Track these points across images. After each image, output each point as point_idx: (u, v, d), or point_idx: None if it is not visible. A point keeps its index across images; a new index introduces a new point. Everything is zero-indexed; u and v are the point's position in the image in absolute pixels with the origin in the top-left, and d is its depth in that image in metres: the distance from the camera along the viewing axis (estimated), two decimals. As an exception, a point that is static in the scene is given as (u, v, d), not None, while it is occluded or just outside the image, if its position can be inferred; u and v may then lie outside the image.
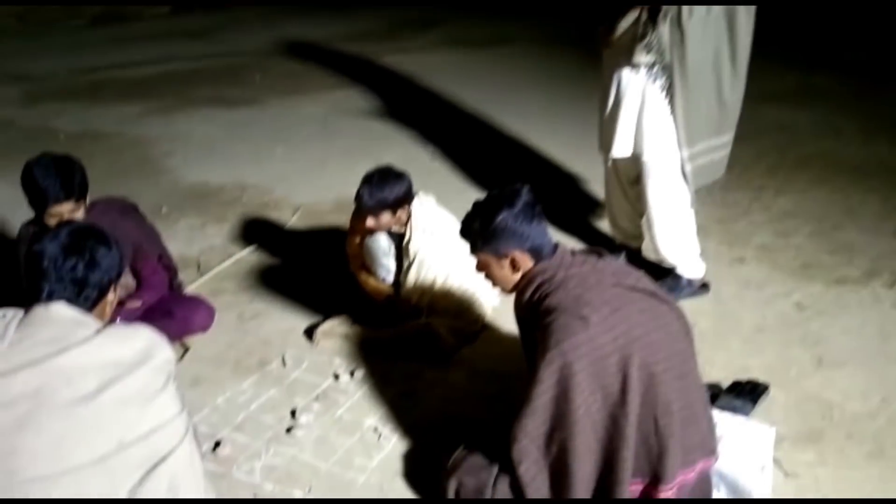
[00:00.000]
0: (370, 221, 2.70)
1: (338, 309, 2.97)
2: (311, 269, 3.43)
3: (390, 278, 2.93)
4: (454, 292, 2.84)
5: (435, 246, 2.78)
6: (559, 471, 1.74)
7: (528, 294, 1.83)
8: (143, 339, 1.41)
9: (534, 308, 1.80)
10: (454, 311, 2.83)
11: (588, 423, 1.70)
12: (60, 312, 1.41)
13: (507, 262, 1.86)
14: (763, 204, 4.03)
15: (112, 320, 1.57)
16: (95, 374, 1.31)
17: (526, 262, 1.85)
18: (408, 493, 2.04)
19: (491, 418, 2.28)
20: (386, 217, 2.71)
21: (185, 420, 1.42)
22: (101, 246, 1.49)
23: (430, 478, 2.04)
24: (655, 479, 1.73)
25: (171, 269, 2.89)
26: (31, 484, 1.22)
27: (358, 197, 2.68)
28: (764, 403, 2.34)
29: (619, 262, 1.88)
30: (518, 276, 1.87)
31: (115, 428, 1.29)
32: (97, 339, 1.37)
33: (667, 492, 1.72)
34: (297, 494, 2.05)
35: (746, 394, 2.34)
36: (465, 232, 1.93)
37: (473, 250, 1.94)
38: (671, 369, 1.71)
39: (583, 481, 1.73)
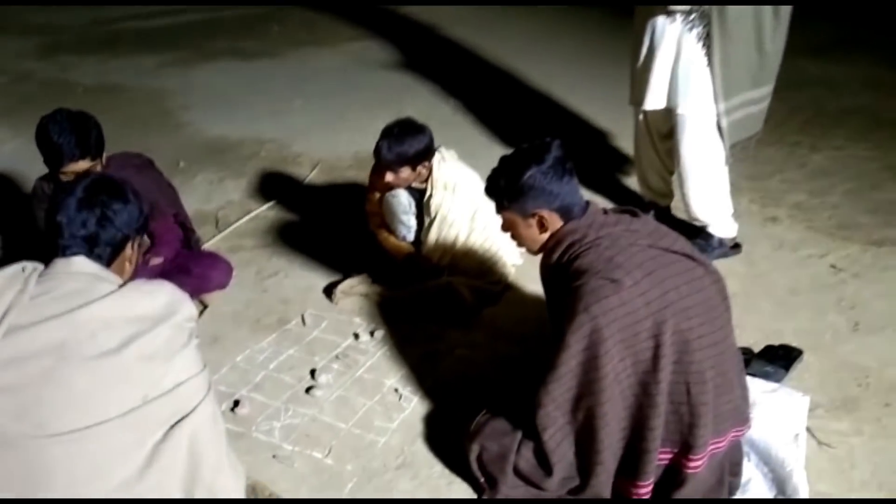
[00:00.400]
0: (389, 177, 2.62)
1: (357, 267, 2.91)
2: (331, 225, 3.37)
3: (411, 236, 2.86)
4: (476, 251, 2.76)
5: (457, 203, 2.69)
6: (585, 438, 1.68)
7: (556, 255, 1.74)
8: (166, 294, 1.39)
9: (562, 270, 1.72)
10: (476, 270, 2.76)
11: (617, 390, 1.63)
12: (82, 266, 1.39)
13: (534, 222, 1.78)
14: (798, 161, 3.88)
15: (134, 278, 1.52)
16: (119, 329, 1.29)
17: (554, 222, 1.76)
18: (429, 456, 2.01)
19: (513, 381, 2.22)
20: (406, 172, 2.62)
21: (207, 378, 1.40)
22: (115, 201, 1.45)
23: (452, 440, 2.00)
24: (686, 448, 1.66)
25: (187, 227, 2.83)
26: (59, 438, 1.21)
27: (377, 151, 2.59)
28: (797, 369, 2.26)
29: (654, 222, 1.79)
30: (545, 236, 1.79)
31: (140, 383, 1.28)
32: (120, 293, 1.35)
33: (696, 461, 1.66)
34: (317, 456, 2.02)
35: (779, 359, 2.26)
36: (491, 189, 1.84)
37: (499, 209, 1.85)
38: (706, 335, 1.63)
39: (609, 449, 1.68)
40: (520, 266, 2.91)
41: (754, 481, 1.84)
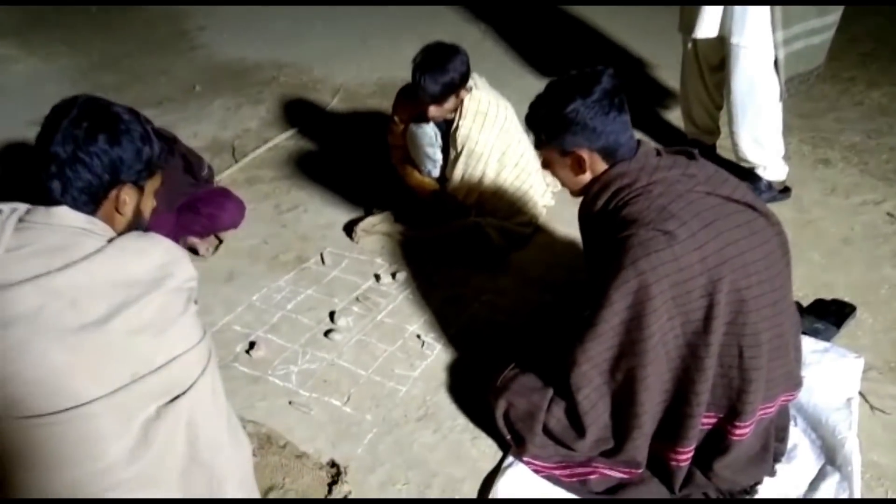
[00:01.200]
0: (434, 111, 2.41)
1: (380, 204, 2.77)
2: (353, 157, 3.20)
3: (436, 172, 2.69)
4: (506, 189, 2.59)
5: (486, 135, 2.50)
6: (624, 401, 1.56)
7: (601, 201, 1.57)
8: (159, 253, 1.20)
9: (608, 218, 1.55)
10: (505, 210, 2.60)
11: (661, 351, 1.49)
12: (64, 218, 1.20)
13: (571, 161, 1.60)
14: (853, 98, 3.60)
15: (136, 227, 1.32)
16: (104, 296, 1.12)
17: (596, 164, 1.58)
18: (452, 408, 1.91)
19: (543, 331, 2.09)
20: (451, 102, 2.41)
21: (207, 348, 1.23)
22: (100, 134, 1.21)
23: (477, 393, 1.90)
24: (732, 414, 1.53)
25: (195, 161, 2.68)
26: (33, 422, 1.06)
27: (418, 86, 2.34)
28: (849, 327, 2.10)
29: (713, 166, 1.60)
30: (586, 177, 1.61)
31: (129, 359, 1.12)
32: (106, 253, 1.15)
33: (743, 428, 1.54)
34: (336, 403, 1.93)
35: (830, 315, 2.10)
36: (531, 120, 1.65)
37: (538, 144, 1.67)
38: (764, 295, 1.47)
39: (649, 412, 1.55)
40: (551, 207, 2.75)
41: (801, 448, 1.72)
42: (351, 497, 1.66)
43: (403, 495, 1.67)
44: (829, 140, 3.21)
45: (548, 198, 2.73)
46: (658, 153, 1.58)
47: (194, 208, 2.54)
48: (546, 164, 1.69)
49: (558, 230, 2.63)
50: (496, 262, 2.46)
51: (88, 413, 1.08)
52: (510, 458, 1.72)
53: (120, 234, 1.25)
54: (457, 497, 1.66)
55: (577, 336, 1.56)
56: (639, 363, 1.49)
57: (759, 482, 1.62)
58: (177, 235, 2.51)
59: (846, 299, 2.18)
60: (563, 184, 1.69)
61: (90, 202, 1.23)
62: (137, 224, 1.32)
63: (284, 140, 3.45)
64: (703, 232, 1.43)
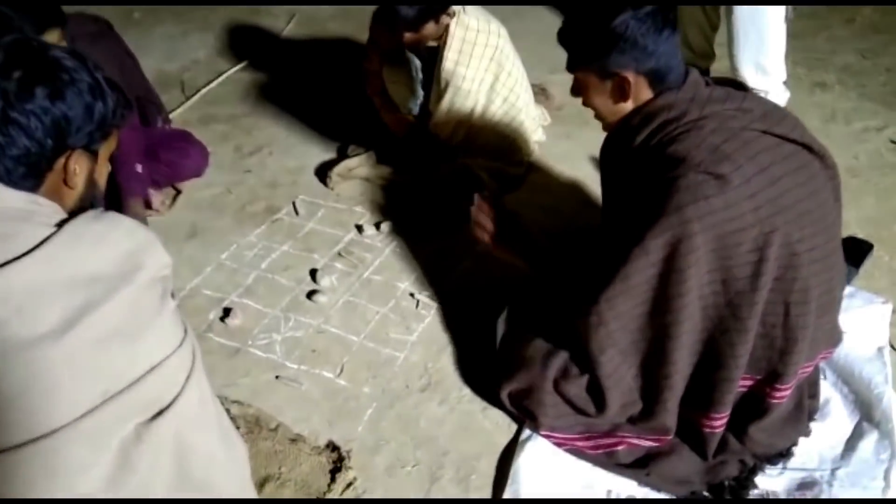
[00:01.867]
0: (410, 38, 2.13)
1: (355, 141, 2.51)
2: (318, 90, 2.90)
3: (416, 108, 2.44)
4: (495, 126, 2.36)
5: (475, 67, 2.24)
6: (654, 361, 1.40)
7: (643, 135, 1.36)
8: (123, 239, 0.95)
9: (650, 155, 1.35)
10: (493, 149, 2.38)
11: (699, 308, 1.33)
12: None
13: (612, 86, 1.38)
14: (844, 14, 3.43)
15: (88, 197, 1.06)
16: (59, 299, 0.88)
17: (640, 90, 1.36)
18: (456, 375, 1.74)
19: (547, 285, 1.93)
20: (430, 28, 2.13)
21: (190, 349, 1.01)
22: (38, 87, 0.94)
23: (482, 358, 1.74)
24: (773, 376, 1.41)
25: (152, 103, 2.36)
26: None
27: (390, 10, 2.07)
28: (867, 266, 1.99)
29: (768, 101, 1.41)
30: (626, 106, 1.39)
31: (96, 376, 0.90)
32: (56, 242, 0.91)
33: (784, 391, 1.42)
34: (328, 375, 1.74)
35: (847, 255, 1.96)
36: (566, 37, 1.41)
37: (572, 65, 1.43)
38: (816, 248, 1.32)
39: (681, 374, 1.41)
40: (542, 143, 2.53)
41: (833, 403, 1.62)
42: (357, 484, 1.50)
43: (414, 479, 1.51)
44: (823, 61, 3.05)
45: (540, 133, 2.51)
46: (707, 83, 1.38)
47: (153, 156, 2.24)
48: (577, 91, 1.46)
49: (553, 168, 2.43)
50: (488, 207, 2.26)
51: (50, 447, 0.87)
52: (528, 430, 1.57)
53: (71, 213, 1.00)
54: (473, 477, 1.51)
55: (600, 290, 1.38)
56: (673, 320, 1.34)
57: (794, 444, 1.52)
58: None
59: (860, 236, 2.07)
60: (598, 114, 1.47)
61: (30, 175, 0.97)
62: (92, 199, 1.06)
63: (238, 72, 3.12)
64: (758, 178, 1.25)
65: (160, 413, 0.96)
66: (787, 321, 1.35)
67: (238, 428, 1.55)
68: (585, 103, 1.47)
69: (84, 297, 0.89)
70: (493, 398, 1.66)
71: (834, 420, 1.58)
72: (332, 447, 1.56)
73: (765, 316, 1.35)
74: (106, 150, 1.07)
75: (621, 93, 1.37)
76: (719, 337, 1.37)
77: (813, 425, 1.56)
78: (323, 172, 2.41)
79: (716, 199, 1.23)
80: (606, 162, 1.55)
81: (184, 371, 1.00)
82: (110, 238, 0.95)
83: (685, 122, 1.31)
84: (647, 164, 1.35)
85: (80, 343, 0.88)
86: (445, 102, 2.29)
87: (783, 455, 1.51)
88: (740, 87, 1.39)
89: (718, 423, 1.45)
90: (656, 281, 1.32)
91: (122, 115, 1.05)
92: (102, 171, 1.09)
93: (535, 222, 2.21)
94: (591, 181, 2.38)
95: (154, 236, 1.00)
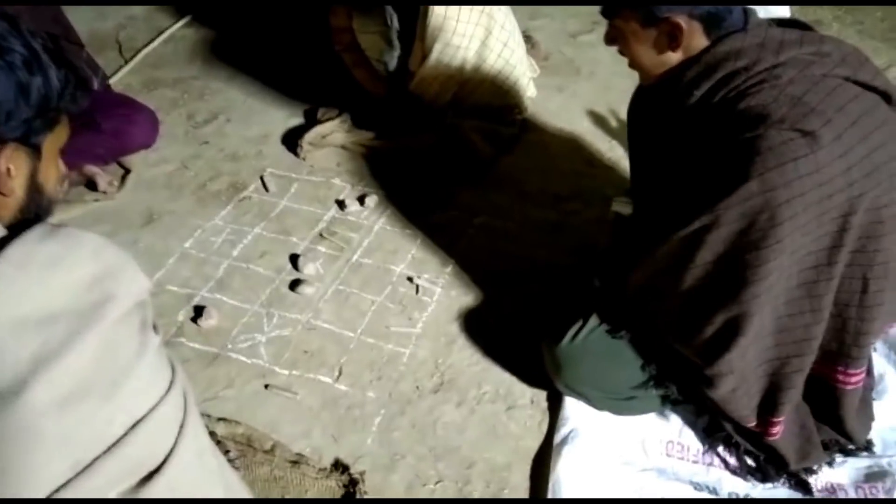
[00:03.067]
0: None
1: (325, 103, 2.23)
2: (277, 47, 2.59)
3: (393, 63, 2.17)
4: (489, 83, 2.11)
5: (464, 24, 1.98)
6: (716, 348, 1.21)
7: (702, 90, 1.13)
8: (85, 261, 0.70)
9: (715, 113, 1.12)
10: (485, 108, 2.14)
11: (775, 291, 1.14)
12: None
13: (659, 34, 1.15)
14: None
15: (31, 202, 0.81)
16: (5, 352, 0.64)
17: (694, 37, 1.13)
18: (473, 371, 1.54)
19: (563, 260, 1.73)
20: None
21: (181, 392, 0.77)
22: None
23: (501, 343, 1.55)
24: (843, 360, 1.24)
25: (88, 66, 2.03)
26: None
27: None
28: None
29: (846, 43, 1.20)
30: (675, 57, 1.16)
31: (64, 445, 0.65)
32: None
33: (856, 375, 1.26)
34: (325, 380, 1.52)
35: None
36: None
37: (610, 10, 1.20)
38: (904, 213, 1.14)
39: (747, 358, 1.23)
40: (535, 98, 2.30)
41: (888, 378, 1.48)
42: (374, 510, 1.29)
43: (438, 495, 1.32)
44: (815, -2, 2.88)
45: (532, 88, 2.28)
46: (774, 23, 1.16)
47: (93, 126, 1.92)
48: (613, 39, 1.22)
49: (548, 125, 2.21)
50: (483, 174, 2.03)
51: None
52: (564, 429, 1.39)
53: (11, 228, 0.74)
54: (506, 492, 1.33)
55: (650, 272, 1.18)
56: (744, 311, 1.15)
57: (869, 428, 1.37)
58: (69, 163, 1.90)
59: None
60: (637, 65, 1.23)
61: None
62: (37, 208, 0.80)
63: (182, 28, 2.76)
64: (850, 133, 1.05)
65: (150, 476, 0.73)
66: (864, 298, 1.18)
67: (227, 452, 1.32)
68: (623, 53, 1.24)
69: (38, 343, 0.64)
70: (517, 393, 1.47)
71: (892, 397, 1.45)
72: (341, 467, 1.35)
73: (839, 294, 1.18)
74: (53, 143, 0.80)
75: (670, 41, 1.15)
76: (790, 322, 1.19)
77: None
78: (292, 141, 2.14)
79: (806, 162, 1.03)
80: (642, 121, 1.34)
81: (175, 422, 0.76)
82: (68, 261, 0.69)
83: (757, 72, 1.09)
84: (710, 124, 1.13)
85: (39, 407, 0.63)
86: (432, 60, 2.03)
87: (868, 448, 1.36)
88: (806, 27, 1.18)
89: (776, 429, 1.28)
90: (726, 261, 1.13)
91: (73, 96, 0.78)
92: (50, 172, 0.82)
93: (537, 187, 1.99)
94: (591, 137, 2.17)
95: (126, 257, 0.74)
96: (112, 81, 2.39)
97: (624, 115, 2.20)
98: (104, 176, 1.98)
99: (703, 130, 1.14)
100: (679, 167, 1.21)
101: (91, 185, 1.96)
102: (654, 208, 1.27)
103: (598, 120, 2.23)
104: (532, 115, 2.24)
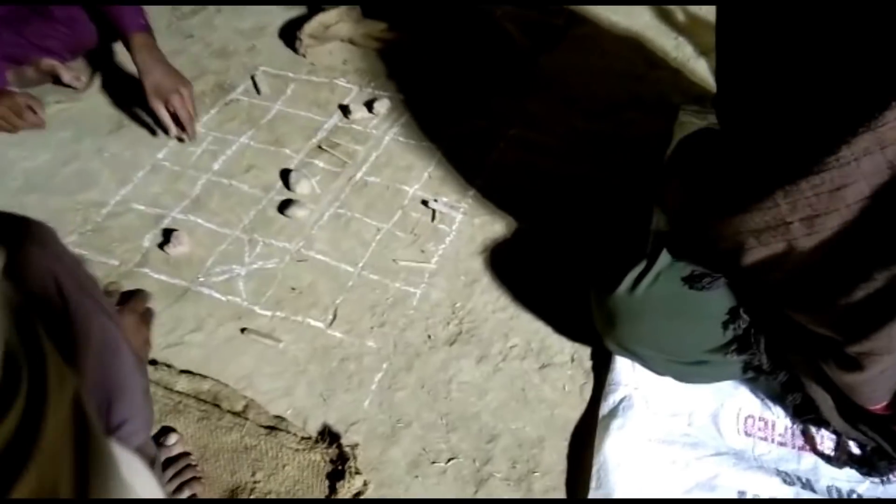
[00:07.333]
0: None
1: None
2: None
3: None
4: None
5: None
6: (870, 320, 0.87)
7: None
8: None
9: None
10: (524, -8, 1.75)
11: None
12: None
13: None
14: None
15: None
16: None
17: None
18: (498, 318, 1.23)
19: (617, 182, 1.39)
20: None
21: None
22: None
23: (540, 286, 1.23)
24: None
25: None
26: None
27: None
28: None
29: None
30: None
31: None
32: None
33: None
34: (316, 325, 1.23)
35: None
36: None
37: None
38: None
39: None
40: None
41: None
42: (369, 492, 1.02)
43: (450, 480, 1.04)
44: None
45: (581, -29, 1.87)
46: None
47: (42, 12, 1.58)
48: None
49: (600, 17, 1.82)
50: (520, 74, 1.67)
51: None
52: (614, 397, 1.08)
53: None
54: (536, 475, 1.04)
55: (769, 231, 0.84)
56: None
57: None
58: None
59: None
60: None
61: None
62: None
63: None
64: None
65: None
66: None
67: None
68: None
69: None
70: (556, 347, 1.17)
71: None
72: (330, 437, 1.07)
73: None
74: None
75: None
76: None
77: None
78: (290, 34, 1.78)
79: None
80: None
81: None
82: None
83: None
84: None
85: None
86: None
87: None
88: None
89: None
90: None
91: None
92: None
93: (585, 92, 1.63)
94: (653, 32, 1.78)
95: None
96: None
97: (693, 6, 1.80)
98: (67, 69, 1.66)
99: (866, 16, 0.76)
100: (819, 67, 0.83)
101: (54, 78, 1.66)
102: (759, 126, 0.90)
103: (662, 13, 1.83)
104: (583, 5, 1.85)
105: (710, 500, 1.00)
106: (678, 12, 1.82)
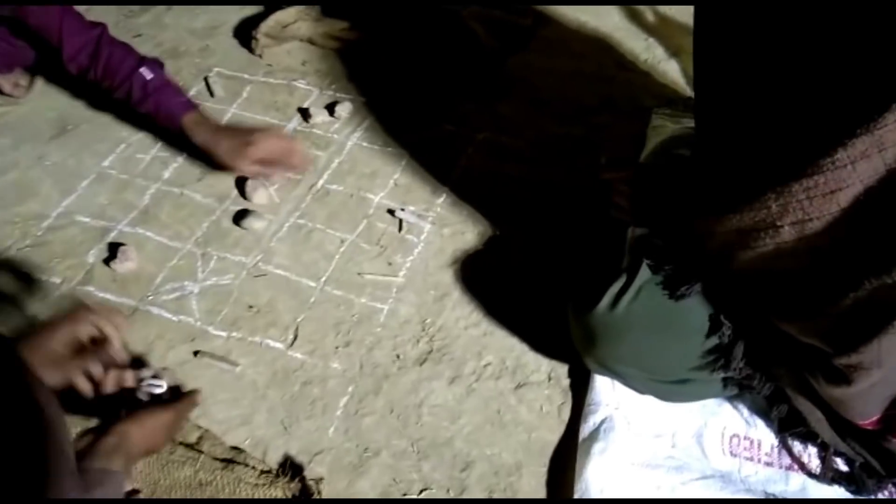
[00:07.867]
0: None
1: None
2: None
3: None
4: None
5: None
6: (859, 330, 0.82)
7: None
8: None
9: None
10: (490, -9, 1.69)
11: None
12: None
13: None
14: None
15: None
16: None
17: None
18: (470, 334, 1.17)
19: (590, 188, 1.34)
20: None
21: None
22: None
23: (514, 300, 1.17)
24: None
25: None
26: None
27: None
28: None
29: None
30: None
31: None
32: None
33: None
34: (276, 346, 1.14)
35: None
36: None
37: None
38: None
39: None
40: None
41: None
42: (334, 531, 0.95)
43: (423, 510, 0.97)
44: None
45: (548, -31, 1.82)
46: None
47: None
48: None
49: (569, 17, 1.77)
50: (488, 76, 1.60)
51: None
52: (594, 418, 1.03)
53: None
54: (516, 505, 0.98)
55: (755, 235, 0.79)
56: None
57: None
58: None
59: None
60: None
61: None
62: None
63: None
64: None
65: None
66: None
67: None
68: None
69: None
70: (532, 365, 1.11)
71: None
72: (292, 469, 1.00)
73: None
74: None
75: None
76: None
77: None
78: (246, 33, 1.69)
79: None
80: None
81: None
82: None
83: None
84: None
85: None
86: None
87: None
88: None
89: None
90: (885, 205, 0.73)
91: None
92: None
93: (555, 95, 1.57)
94: (623, 33, 1.73)
95: None
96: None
97: (663, 7, 1.76)
98: (5, 78, 1.55)
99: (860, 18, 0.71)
100: (814, 66, 0.78)
101: (-13, 85, 1.54)
102: (746, 128, 0.85)
103: (631, 13, 1.78)
104: (550, 6, 1.79)
105: (710, 499, 0.95)
106: (648, 13, 1.78)
